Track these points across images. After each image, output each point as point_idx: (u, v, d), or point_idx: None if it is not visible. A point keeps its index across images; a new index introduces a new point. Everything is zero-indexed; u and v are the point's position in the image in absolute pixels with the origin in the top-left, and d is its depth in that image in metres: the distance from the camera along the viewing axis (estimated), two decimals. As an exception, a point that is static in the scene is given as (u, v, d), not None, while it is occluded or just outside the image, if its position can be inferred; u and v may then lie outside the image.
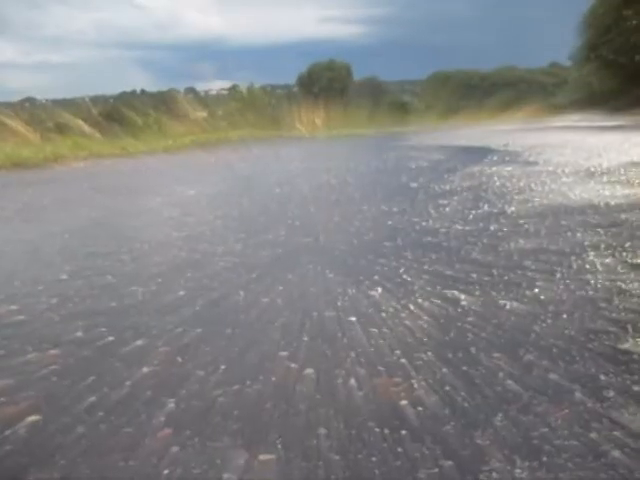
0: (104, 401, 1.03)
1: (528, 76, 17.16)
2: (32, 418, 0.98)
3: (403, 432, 0.88)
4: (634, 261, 1.74)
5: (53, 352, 1.27)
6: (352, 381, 1.05)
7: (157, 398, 1.03)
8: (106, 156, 7.54)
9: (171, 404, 1.01)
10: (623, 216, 2.32)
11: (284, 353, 1.19)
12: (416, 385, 1.02)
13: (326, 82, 13.98)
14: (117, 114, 12.23)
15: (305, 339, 1.26)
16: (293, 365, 1.13)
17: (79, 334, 1.38)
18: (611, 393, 0.97)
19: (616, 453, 0.81)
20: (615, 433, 0.86)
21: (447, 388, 1.01)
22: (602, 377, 1.03)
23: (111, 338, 1.34)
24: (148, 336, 1.33)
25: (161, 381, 1.10)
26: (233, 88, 16.92)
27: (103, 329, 1.39)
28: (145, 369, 1.15)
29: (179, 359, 1.19)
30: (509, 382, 1.02)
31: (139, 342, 1.30)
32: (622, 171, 3.55)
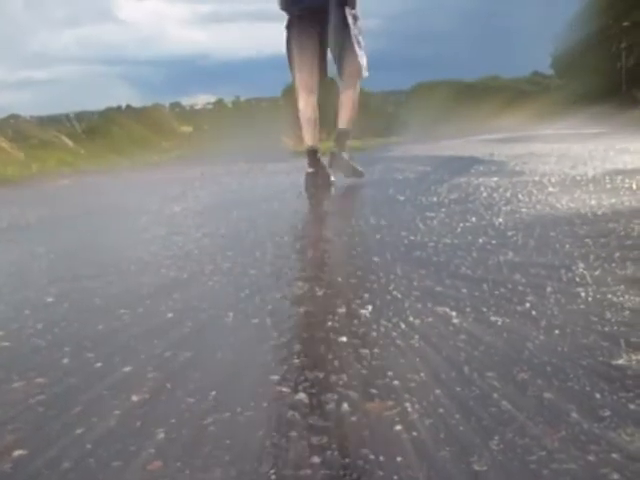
0: (92, 433, 1.01)
1: (511, 85, 17.30)
2: (17, 453, 0.95)
3: (398, 459, 0.87)
4: (623, 272, 1.74)
5: (39, 380, 1.24)
6: (345, 406, 1.03)
7: (147, 428, 1.01)
8: (91, 172, 7.49)
9: (161, 434, 0.98)
10: (611, 225, 2.33)
11: (275, 377, 1.17)
12: (410, 409, 1.00)
13: (311, 94, 14.00)
14: (102, 130, 12.19)
15: (295, 361, 1.24)
16: (284, 390, 1.11)
17: (66, 361, 1.35)
18: (607, 412, 0.96)
19: (615, 476, 0.80)
20: (613, 455, 0.85)
21: (441, 411, 0.99)
22: (597, 395, 1.02)
23: (99, 364, 1.31)
24: (136, 362, 1.31)
25: (150, 410, 1.08)
26: (219, 102, 16.94)
27: (90, 355, 1.37)
28: (134, 397, 1.13)
29: (168, 385, 1.17)
30: (504, 403, 1.00)
31: (127, 368, 1.27)
32: (607, 179, 3.56)
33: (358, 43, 3.87)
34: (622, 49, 14.97)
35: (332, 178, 3.95)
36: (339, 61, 3.99)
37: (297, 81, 3.97)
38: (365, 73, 4.04)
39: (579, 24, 15.40)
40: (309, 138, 4.02)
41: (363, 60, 3.95)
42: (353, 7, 3.85)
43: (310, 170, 3.88)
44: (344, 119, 4.19)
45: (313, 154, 4.00)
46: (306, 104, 3.96)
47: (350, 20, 3.81)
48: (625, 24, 14.61)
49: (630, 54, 14.79)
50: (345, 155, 4.27)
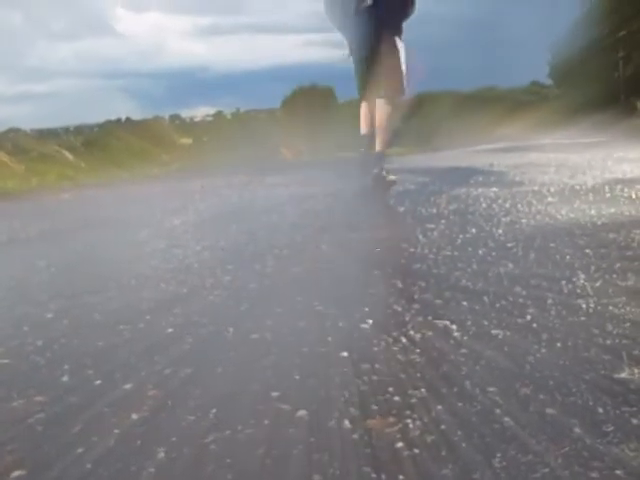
0: (92, 452, 1.00)
1: (509, 95, 17.34)
2: (17, 473, 0.95)
3: (400, 477, 0.86)
4: (624, 284, 1.74)
5: (39, 399, 1.23)
6: (346, 422, 1.02)
7: (147, 447, 1.00)
8: (91, 186, 7.51)
9: (161, 453, 0.98)
10: (611, 236, 2.32)
11: (275, 394, 1.16)
12: (411, 425, 1.00)
13: (310, 105, 14.03)
14: (102, 143, 12.20)
15: (296, 377, 1.24)
16: (285, 406, 1.11)
17: (65, 378, 1.34)
18: (610, 427, 0.96)
19: (619, 493, 0.80)
20: (617, 472, 0.84)
21: (443, 427, 0.99)
22: (600, 410, 1.01)
23: (98, 382, 1.31)
24: (137, 378, 1.30)
25: (151, 428, 1.07)
26: (218, 114, 16.97)
27: (90, 372, 1.36)
28: (134, 415, 1.12)
29: (169, 403, 1.17)
30: (506, 419, 1.00)
31: (127, 385, 1.27)
32: (607, 189, 3.56)
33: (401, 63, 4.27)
34: (619, 58, 15.03)
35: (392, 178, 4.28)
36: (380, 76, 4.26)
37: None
38: (405, 93, 4.38)
39: (576, 34, 15.46)
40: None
41: (404, 79, 4.29)
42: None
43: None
44: (378, 142, 4.32)
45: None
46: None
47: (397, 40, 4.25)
48: (621, 34, 14.67)
49: (627, 63, 14.84)
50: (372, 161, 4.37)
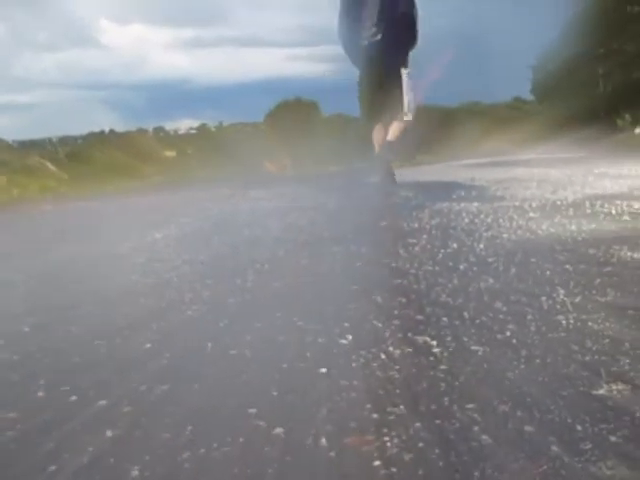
0: (64, 470, 0.98)
1: (492, 111, 17.49)
2: (-14, 493, 0.93)
3: (377, 497, 0.85)
4: (603, 299, 1.74)
5: (12, 415, 1.21)
6: (323, 440, 1.01)
7: (120, 465, 0.99)
8: (73, 198, 7.46)
9: (135, 471, 0.96)
10: (591, 251, 2.34)
11: (252, 410, 1.15)
12: (389, 443, 0.99)
13: (294, 119, 14.06)
14: (85, 155, 12.14)
15: (274, 394, 1.22)
16: (261, 424, 1.09)
17: (40, 394, 1.32)
18: (588, 445, 0.95)
19: (596, 513, 0.79)
20: (594, 491, 0.84)
21: (421, 445, 0.98)
22: (578, 427, 1.01)
23: (74, 398, 1.28)
24: (112, 395, 1.28)
25: (125, 446, 1.05)
26: (202, 127, 16.96)
27: (66, 388, 1.34)
28: (108, 432, 1.10)
29: (144, 420, 1.15)
30: (484, 437, 0.99)
31: (102, 402, 1.25)
32: (587, 204, 3.58)
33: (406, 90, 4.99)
34: (600, 76, 15.22)
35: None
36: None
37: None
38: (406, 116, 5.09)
39: (557, 51, 15.64)
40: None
41: (408, 105, 5.03)
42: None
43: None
44: (390, 136, 5.14)
45: None
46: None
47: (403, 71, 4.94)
48: (601, 51, 14.87)
49: (608, 80, 15.03)
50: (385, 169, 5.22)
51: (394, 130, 5.07)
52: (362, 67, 5.01)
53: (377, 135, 5.05)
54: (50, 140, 14.42)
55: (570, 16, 15.13)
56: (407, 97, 4.96)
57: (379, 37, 4.67)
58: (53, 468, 0.99)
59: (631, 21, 14.60)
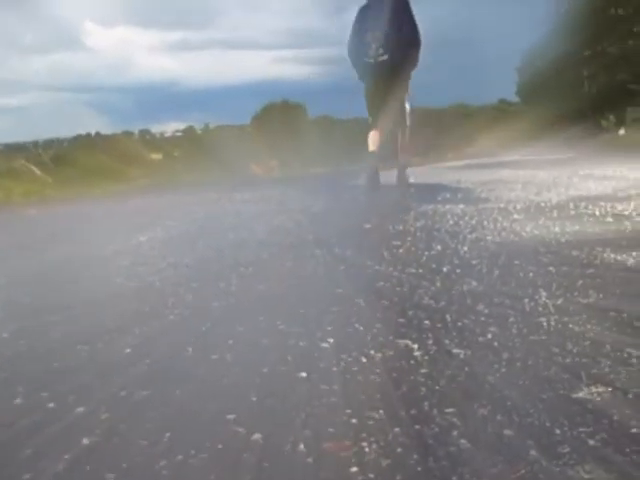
0: (39, 478, 0.97)
1: (478, 113, 17.52)
2: (-42, 504, 0.91)
3: (353, 503, 0.84)
4: (585, 301, 1.75)
5: (-12, 424, 1.20)
6: (301, 446, 1.00)
7: (96, 473, 0.98)
8: (59, 201, 7.41)
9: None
10: (574, 253, 2.34)
11: (231, 416, 1.14)
12: (367, 449, 0.98)
13: (281, 121, 14.04)
14: (70, 158, 12.06)
15: (254, 399, 1.22)
16: (240, 430, 1.08)
17: (18, 401, 1.31)
18: (566, 449, 0.95)
19: (573, 517, 0.79)
20: (571, 495, 0.83)
21: (399, 450, 0.97)
22: (557, 431, 1.01)
23: (52, 405, 1.27)
24: (91, 401, 1.27)
25: (102, 453, 1.04)
26: (188, 129, 16.89)
27: (44, 394, 1.33)
28: (85, 440, 1.09)
29: (122, 427, 1.14)
30: (463, 441, 0.99)
31: (81, 409, 1.23)
32: (571, 206, 3.60)
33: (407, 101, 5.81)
34: (584, 77, 15.30)
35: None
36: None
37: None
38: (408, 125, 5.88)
39: (542, 53, 15.72)
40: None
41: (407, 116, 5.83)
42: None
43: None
44: (401, 157, 5.93)
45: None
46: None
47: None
48: (586, 53, 14.96)
49: (593, 82, 15.12)
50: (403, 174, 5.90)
51: (403, 137, 5.84)
52: (368, 82, 5.71)
53: (372, 137, 5.68)
54: (36, 143, 14.31)
55: (555, 19, 15.23)
56: (409, 109, 5.82)
57: (385, 57, 5.40)
58: (28, 476, 0.98)
59: (615, 24, 14.70)
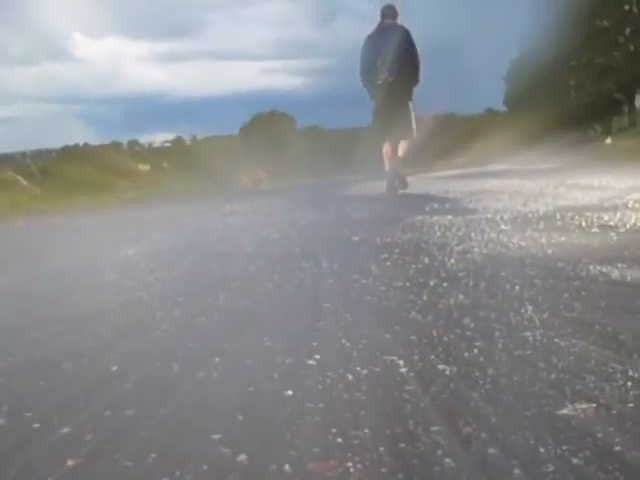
0: (22, 502, 0.96)
1: (465, 122, 17.60)
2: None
3: (338, 525, 0.84)
4: (571, 314, 1.75)
5: (-29, 445, 1.19)
6: (286, 467, 1.00)
7: (79, 496, 0.97)
8: (46, 213, 7.39)
9: (94, 503, 0.95)
10: (560, 265, 2.35)
11: (217, 436, 1.13)
12: (352, 469, 0.98)
13: (269, 132, 14.06)
14: (58, 169, 12.03)
15: (239, 418, 1.21)
16: (226, 450, 1.08)
17: (2, 421, 1.30)
18: (550, 467, 0.95)
19: (555, 538, 0.79)
20: (554, 515, 0.84)
21: (384, 470, 0.97)
22: (541, 449, 1.01)
23: (36, 425, 1.26)
24: (75, 421, 1.26)
25: (85, 475, 1.04)
26: (177, 140, 16.90)
27: (28, 414, 1.32)
28: (70, 462, 1.09)
29: (106, 448, 1.13)
30: (447, 460, 0.99)
31: (65, 429, 1.23)
32: (558, 216, 3.62)
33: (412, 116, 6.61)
34: (571, 87, 15.43)
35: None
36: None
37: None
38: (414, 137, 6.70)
39: (529, 62, 15.85)
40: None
41: (413, 130, 6.60)
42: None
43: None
44: (400, 152, 6.55)
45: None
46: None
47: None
48: (572, 63, 15.10)
49: (579, 91, 15.24)
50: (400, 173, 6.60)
51: (403, 147, 6.53)
52: (377, 100, 6.54)
53: (386, 151, 6.46)
54: (24, 154, 14.27)
55: (541, 29, 15.36)
56: (414, 122, 6.59)
57: (392, 79, 6.21)
58: (11, 500, 0.97)
59: (600, 35, 14.85)
